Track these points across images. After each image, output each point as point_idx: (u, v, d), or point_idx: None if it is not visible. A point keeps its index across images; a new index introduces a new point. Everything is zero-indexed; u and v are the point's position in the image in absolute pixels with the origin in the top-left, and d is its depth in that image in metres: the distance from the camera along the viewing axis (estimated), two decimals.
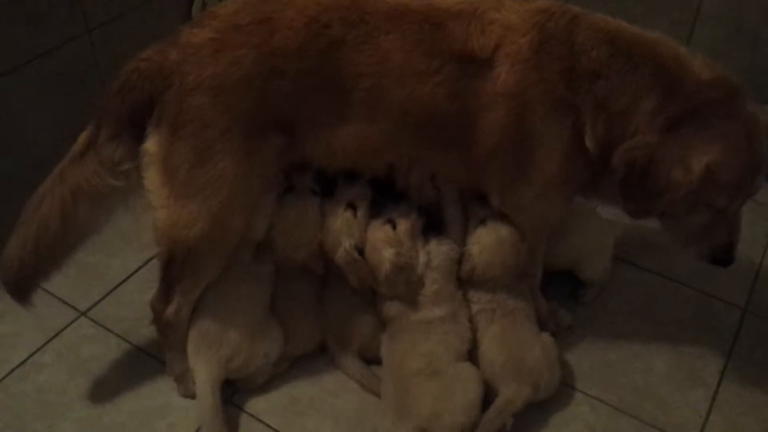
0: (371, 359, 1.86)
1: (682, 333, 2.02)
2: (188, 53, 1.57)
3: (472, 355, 1.79)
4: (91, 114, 1.66)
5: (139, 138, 1.60)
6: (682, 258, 2.11)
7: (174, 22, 2.36)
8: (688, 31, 2.50)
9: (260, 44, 1.57)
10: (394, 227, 1.80)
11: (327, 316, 1.87)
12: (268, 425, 1.77)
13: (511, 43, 1.58)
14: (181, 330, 1.76)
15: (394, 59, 1.60)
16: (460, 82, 1.60)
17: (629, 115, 1.58)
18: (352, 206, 1.83)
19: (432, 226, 1.89)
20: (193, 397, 1.75)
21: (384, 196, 1.88)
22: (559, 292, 2.07)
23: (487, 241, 1.82)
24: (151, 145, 1.59)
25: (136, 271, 2.14)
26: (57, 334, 1.96)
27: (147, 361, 1.89)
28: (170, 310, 1.73)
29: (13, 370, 1.87)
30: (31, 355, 1.91)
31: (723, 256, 1.68)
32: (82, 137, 1.66)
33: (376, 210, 1.86)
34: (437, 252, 1.83)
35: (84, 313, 2.02)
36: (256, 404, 1.81)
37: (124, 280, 2.11)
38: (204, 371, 1.71)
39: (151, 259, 2.12)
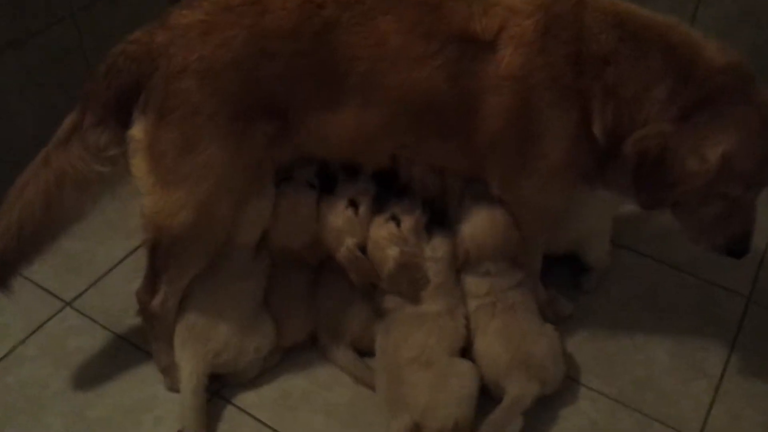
0: (364, 351, 1.81)
1: (684, 322, 1.97)
2: (176, 35, 1.52)
3: (470, 351, 1.74)
4: (78, 98, 1.60)
5: (126, 123, 1.55)
6: (684, 245, 2.06)
7: (163, 4, 2.28)
8: (691, 11, 2.44)
9: (251, 25, 1.51)
10: (398, 224, 1.75)
11: (319, 307, 1.82)
12: (258, 420, 1.72)
13: (515, 26, 1.52)
14: (168, 321, 1.71)
15: (390, 41, 1.54)
16: (460, 66, 1.55)
17: (640, 103, 1.52)
18: (353, 203, 1.77)
19: (435, 219, 1.83)
20: (179, 390, 1.69)
21: (387, 189, 1.82)
22: (558, 280, 2.01)
23: (480, 221, 1.76)
24: (138, 131, 1.54)
25: (122, 260, 2.08)
26: (41, 326, 1.91)
27: (133, 352, 1.84)
28: (156, 300, 1.68)
29: None
30: (14, 348, 1.86)
31: (738, 247, 1.63)
32: (68, 122, 1.61)
33: (379, 204, 1.80)
34: (441, 244, 1.78)
35: (69, 304, 1.97)
36: (246, 398, 1.75)
37: (110, 270, 2.06)
38: (189, 366, 1.66)
39: (137, 247, 2.05)
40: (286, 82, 1.55)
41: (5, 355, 1.83)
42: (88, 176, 1.58)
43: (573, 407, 1.76)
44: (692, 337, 1.93)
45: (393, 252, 1.72)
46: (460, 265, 1.78)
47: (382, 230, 1.75)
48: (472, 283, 1.79)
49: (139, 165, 1.55)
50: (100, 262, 2.07)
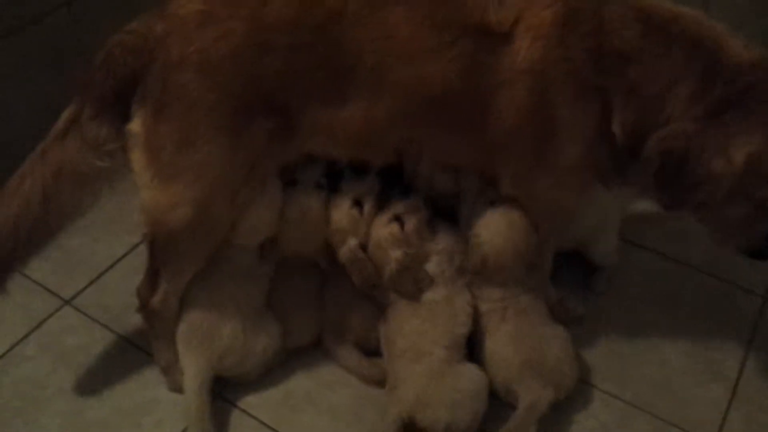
0: (369, 351, 1.76)
1: (700, 323, 1.91)
2: (174, 26, 1.47)
3: (478, 355, 1.69)
4: (75, 90, 1.56)
5: (125, 116, 1.51)
6: (699, 243, 2.04)
7: None
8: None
9: (251, 17, 1.46)
10: (402, 224, 1.69)
11: (324, 307, 1.77)
12: (260, 421, 1.67)
13: (532, 16, 1.46)
14: (168, 319, 1.67)
15: (400, 34, 1.48)
16: (474, 59, 1.49)
17: (663, 101, 1.46)
18: (358, 203, 1.72)
19: (438, 213, 1.79)
20: (180, 391, 1.65)
21: (390, 186, 1.77)
22: (569, 280, 1.96)
23: (498, 226, 1.69)
24: (136, 125, 1.50)
25: (123, 256, 2.03)
26: (39, 324, 1.87)
27: (134, 352, 1.80)
28: (156, 297, 1.65)
29: None
30: (12, 347, 1.81)
31: (764, 249, 1.58)
32: (65, 115, 1.57)
33: (382, 200, 1.75)
34: (443, 237, 1.73)
35: (68, 302, 1.92)
36: (248, 399, 1.71)
37: (111, 267, 2.01)
38: (193, 368, 1.61)
39: (138, 244, 2.01)
40: (287, 76, 1.50)
41: (3, 355, 1.79)
42: (86, 171, 1.55)
43: (585, 411, 1.71)
44: (708, 338, 1.88)
45: (396, 254, 1.67)
46: (474, 272, 1.71)
47: (384, 231, 1.70)
48: (484, 291, 1.72)
49: (137, 159, 1.52)
50: (101, 259, 2.02)
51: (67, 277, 1.97)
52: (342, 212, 1.71)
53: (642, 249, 2.11)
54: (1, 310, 1.85)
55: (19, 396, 1.71)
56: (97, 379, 1.75)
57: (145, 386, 1.73)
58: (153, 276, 1.64)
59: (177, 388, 1.68)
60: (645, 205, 2.11)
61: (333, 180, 1.76)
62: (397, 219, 1.70)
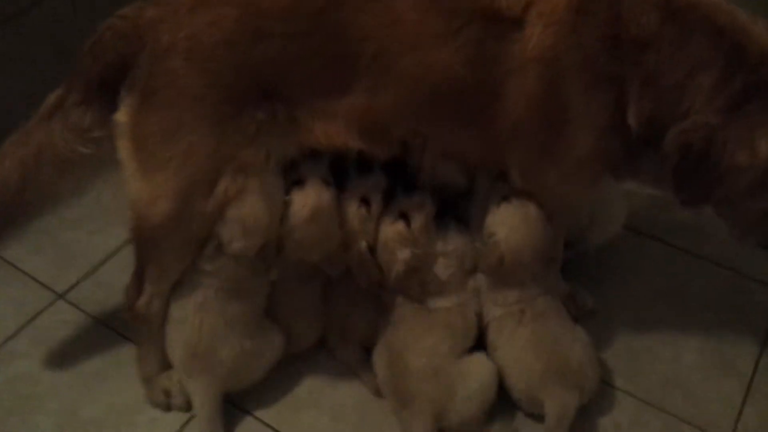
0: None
1: (713, 317, 1.86)
2: (165, 11, 1.42)
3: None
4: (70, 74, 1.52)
5: (112, 104, 1.46)
6: (711, 234, 1.98)
7: None
8: None
9: (244, 2, 1.42)
10: (408, 222, 1.63)
11: (328, 308, 1.71)
12: (262, 421, 1.62)
13: (545, 1, 1.41)
14: (153, 325, 1.60)
15: (405, 19, 1.42)
16: (483, 46, 1.43)
17: (682, 92, 1.40)
18: (365, 201, 1.64)
19: (445, 210, 1.72)
20: (161, 407, 1.62)
21: (395, 182, 1.69)
22: (578, 273, 1.89)
23: (514, 222, 1.61)
24: (123, 113, 1.45)
25: (118, 249, 1.97)
26: (32, 319, 1.81)
27: (128, 348, 1.73)
28: (142, 300, 1.58)
29: None
30: (4, 343, 1.76)
31: None
32: (52, 98, 1.53)
33: (388, 197, 1.68)
34: (453, 237, 1.67)
35: (62, 296, 1.87)
36: (249, 399, 1.65)
37: (106, 260, 1.96)
38: (200, 396, 1.55)
39: None
40: (282, 65, 1.44)
41: None
42: (69, 156, 1.51)
43: (596, 408, 1.65)
44: (721, 333, 1.82)
45: (403, 255, 1.60)
46: (490, 274, 1.64)
47: (390, 230, 1.63)
48: (498, 294, 1.65)
49: (123, 149, 1.47)
50: (95, 252, 1.97)
51: (61, 271, 1.92)
52: (351, 213, 1.63)
53: (652, 240, 2.05)
54: None
55: (11, 394, 1.66)
56: (91, 376, 1.70)
57: (140, 383, 1.66)
58: (139, 276, 1.58)
59: (157, 404, 1.62)
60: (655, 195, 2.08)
61: (337, 179, 1.67)
62: (403, 216, 1.64)
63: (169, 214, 1.47)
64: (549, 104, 1.45)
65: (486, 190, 1.68)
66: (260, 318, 1.63)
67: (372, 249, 1.63)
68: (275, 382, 1.67)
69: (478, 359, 1.59)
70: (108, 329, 1.79)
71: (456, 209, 1.72)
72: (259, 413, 1.62)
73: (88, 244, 1.99)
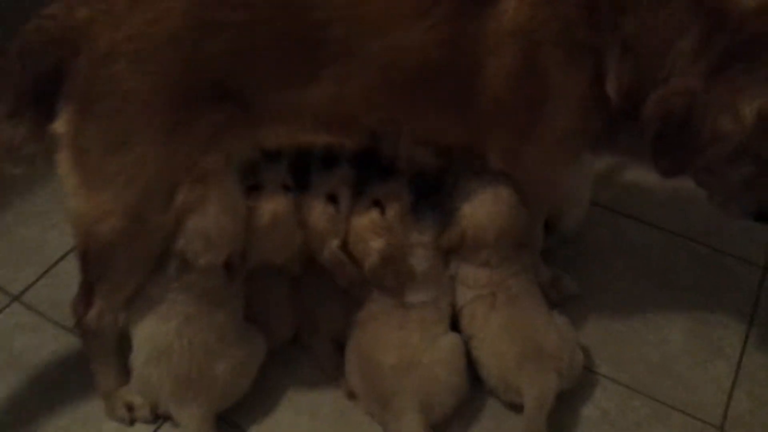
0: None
1: (698, 297, 1.81)
2: (99, 10, 1.29)
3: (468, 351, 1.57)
4: None
5: (47, 115, 1.32)
6: (692, 212, 1.94)
7: None
8: None
9: None
10: (383, 211, 1.54)
11: (298, 301, 1.63)
12: (236, 425, 1.53)
13: None
14: (106, 340, 1.50)
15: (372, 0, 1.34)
16: (456, 25, 1.35)
17: (662, 57, 1.35)
18: (332, 198, 1.55)
19: (423, 196, 1.64)
20: (124, 422, 1.52)
21: (366, 170, 1.60)
22: (558, 258, 1.84)
23: (481, 198, 1.56)
24: (61, 124, 1.32)
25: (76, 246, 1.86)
26: None
27: None
28: (91, 314, 1.47)
29: None
30: None
31: None
32: None
33: (358, 187, 1.60)
34: (430, 227, 1.59)
35: (17, 298, 1.76)
36: None
37: (63, 257, 1.84)
38: (196, 423, 1.46)
39: None
40: (240, 58, 1.33)
41: None
42: None
43: (581, 396, 1.60)
44: (707, 314, 1.78)
45: (377, 244, 1.52)
46: (450, 248, 1.58)
47: (364, 219, 1.55)
48: (468, 273, 1.59)
49: (63, 163, 1.34)
50: (52, 250, 1.85)
51: (16, 270, 1.81)
52: (317, 212, 1.54)
53: (632, 219, 2.00)
54: None
55: None
56: (51, 384, 1.60)
57: None
58: (86, 289, 1.47)
59: (119, 419, 1.52)
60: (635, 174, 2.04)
61: (300, 177, 1.58)
62: (377, 204, 1.56)
63: (120, 231, 1.37)
64: (527, 80, 1.39)
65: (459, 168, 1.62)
66: (239, 325, 1.54)
67: (345, 245, 1.55)
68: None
69: (445, 337, 1.54)
70: (68, 332, 1.68)
71: (432, 197, 1.65)
72: (231, 415, 1.54)
73: (44, 241, 1.87)
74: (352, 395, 1.55)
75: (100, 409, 1.55)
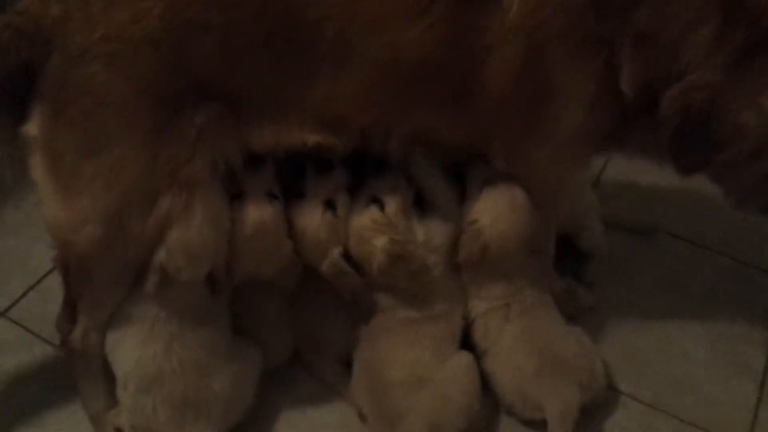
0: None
1: (720, 311, 1.73)
2: (73, 7, 1.22)
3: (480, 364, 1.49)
4: None
5: (17, 116, 1.26)
6: (714, 221, 1.87)
7: None
8: None
9: None
10: (382, 207, 1.46)
11: (298, 318, 1.54)
12: None
13: None
14: (92, 359, 1.42)
15: None
16: (458, 22, 1.29)
17: (678, 49, 1.29)
18: (330, 204, 1.47)
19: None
20: None
21: (359, 165, 1.52)
22: (575, 269, 1.76)
23: (499, 207, 1.48)
24: (34, 126, 1.25)
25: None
26: None
27: None
28: (76, 333, 1.40)
29: None
30: None
31: None
32: None
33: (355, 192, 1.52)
34: (439, 229, 1.50)
35: (3, 313, 1.67)
36: None
37: (52, 269, 1.73)
38: None
39: None
40: (224, 60, 1.27)
41: None
42: None
43: (602, 415, 1.52)
44: (730, 327, 1.70)
45: (380, 242, 1.43)
46: (473, 264, 1.49)
47: (364, 218, 1.46)
48: (482, 285, 1.51)
49: (36, 168, 1.28)
50: (40, 262, 1.75)
51: (1, 284, 1.72)
52: (315, 221, 1.45)
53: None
54: None
55: None
56: (37, 405, 1.50)
57: None
58: (70, 305, 1.40)
59: None
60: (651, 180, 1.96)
61: (293, 184, 1.50)
62: (376, 201, 1.48)
63: (98, 240, 1.29)
64: (533, 77, 1.33)
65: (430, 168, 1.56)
66: (231, 336, 1.46)
67: (347, 255, 1.47)
68: None
69: (458, 356, 1.47)
70: (56, 349, 1.58)
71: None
72: None
73: (31, 253, 1.78)
74: (363, 417, 1.46)
75: (90, 430, 1.45)
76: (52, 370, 1.56)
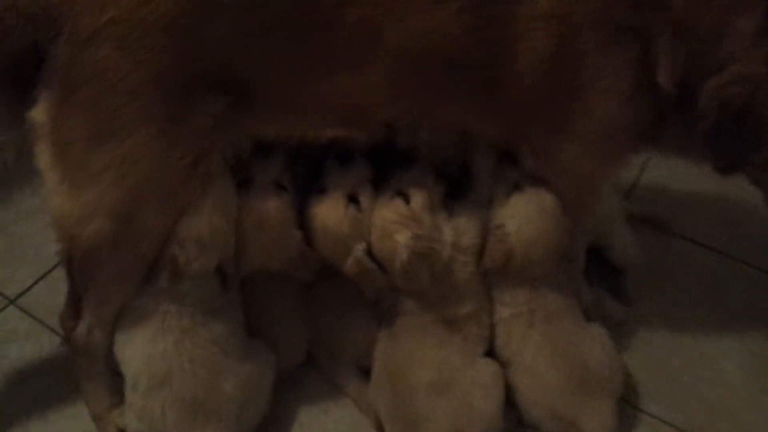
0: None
1: (756, 328, 1.64)
2: None
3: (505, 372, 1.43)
4: None
5: (22, 100, 1.21)
6: (754, 233, 1.77)
7: None
8: None
9: None
10: (407, 201, 1.39)
11: (314, 318, 1.49)
12: None
13: None
14: (96, 357, 1.37)
15: None
16: (485, 8, 1.23)
17: (719, 40, 1.24)
18: (353, 198, 1.40)
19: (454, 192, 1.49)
20: None
21: (386, 159, 1.46)
22: (605, 279, 1.68)
23: (527, 213, 1.41)
24: (40, 112, 1.20)
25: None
26: None
27: None
28: (80, 329, 1.35)
29: None
30: None
31: None
32: None
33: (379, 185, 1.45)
34: (468, 228, 1.43)
35: (13, 301, 1.64)
36: None
37: None
38: None
39: None
40: (240, 45, 1.21)
41: None
42: None
43: None
44: (766, 346, 1.61)
45: (403, 237, 1.36)
46: (495, 269, 1.43)
47: (387, 212, 1.39)
48: (505, 290, 1.45)
49: (42, 155, 1.22)
50: (51, 251, 1.67)
51: (12, 271, 1.70)
52: (338, 216, 1.39)
53: (684, 240, 1.83)
54: None
55: None
56: (43, 396, 1.47)
57: None
58: (74, 300, 1.35)
59: None
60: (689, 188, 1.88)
61: (314, 177, 1.45)
62: (401, 194, 1.41)
63: (107, 235, 1.24)
64: (563, 68, 1.27)
65: (486, 171, 1.49)
66: (243, 339, 1.41)
67: (371, 252, 1.40)
68: None
69: (486, 362, 1.42)
70: (65, 341, 1.53)
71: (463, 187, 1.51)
72: None
73: (44, 241, 1.70)
74: (380, 428, 1.40)
75: (92, 428, 1.41)
76: (58, 362, 1.51)
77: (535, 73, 1.28)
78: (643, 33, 1.25)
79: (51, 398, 1.47)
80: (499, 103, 1.33)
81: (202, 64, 1.20)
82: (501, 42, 1.26)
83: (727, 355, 1.59)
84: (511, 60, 1.27)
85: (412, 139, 1.40)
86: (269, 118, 1.31)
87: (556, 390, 1.37)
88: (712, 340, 1.61)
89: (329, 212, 1.40)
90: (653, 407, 1.49)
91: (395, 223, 1.38)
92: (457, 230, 1.43)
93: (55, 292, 1.61)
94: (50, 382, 1.50)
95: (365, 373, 1.46)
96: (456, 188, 1.49)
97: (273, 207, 1.38)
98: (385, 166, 1.46)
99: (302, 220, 1.42)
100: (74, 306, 1.35)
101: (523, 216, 1.41)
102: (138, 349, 1.33)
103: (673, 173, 1.92)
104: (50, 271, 1.69)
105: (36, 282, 1.67)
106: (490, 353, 1.45)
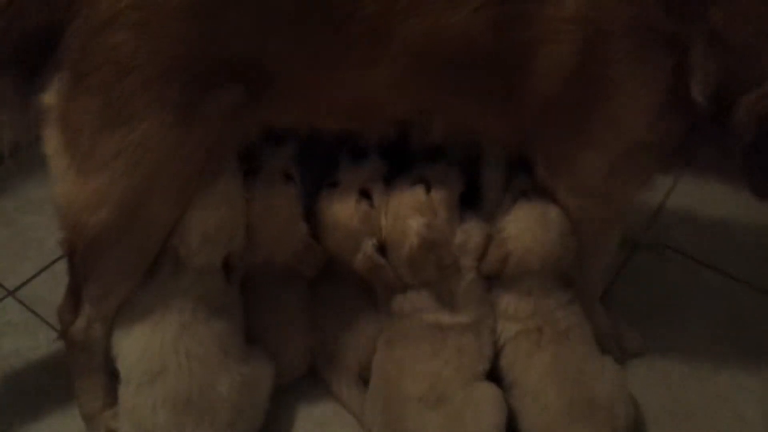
0: None
1: None
2: None
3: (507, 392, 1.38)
4: None
5: (33, 82, 1.18)
6: None
7: None
8: None
9: None
10: (428, 190, 1.39)
11: (316, 322, 1.46)
12: None
13: None
14: (93, 354, 1.34)
15: None
16: (507, 7, 1.19)
17: (758, 53, 1.19)
18: (365, 193, 1.39)
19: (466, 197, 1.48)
20: None
21: (403, 157, 1.45)
22: (622, 307, 1.62)
23: (527, 220, 1.40)
24: (51, 95, 1.17)
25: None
26: None
27: None
28: (79, 323, 1.32)
29: None
30: None
31: None
32: None
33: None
34: (474, 233, 1.42)
35: (12, 293, 1.61)
36: None
37: None
38: None
39: None
40: (259, 35, 1.19)
41: None
42: None
43: None
44: None
45: (416, 223, 1.35)
46: (491, 273, 1.41)
47: (406, 197, 1.39)
48: (510, 302, 1.42)
49: (51, 140, 1.19)
50: (54, 243, 1.65)
51: (14, 262, 1.67)
52: (349, 210, 1.39)
53: (708, 268, 1.76)
54: None
55: None
56: (37, 394, 1.44)
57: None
58: (74, 293, 1.32)
59: None
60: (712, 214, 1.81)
61: (327, 171, 1.44)
62: (423, 182, 1.41)
63: (114, 225, 1.21)
64: (589, 75, 1.22)
65: (496, 176, 1.50)
66: (242, 340, 1.37)
67: (382, 247, 1.39)
68: None
69: (488, 386, 1.37)
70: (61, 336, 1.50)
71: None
72: None
73: (48, 232, 1.69)
74: None
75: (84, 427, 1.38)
76: (52, 358, 1.49)
77: (558, 77, 1.23)
78: (677, 44, 1.20)
79: (41, 394, 1.44)
80: (518, 107, 1.29)
81: (221, 53, 1.18)
82: (521, 43, 1.22)
83: (748, 396, 1.52)
84: (533, 63, 1.23)
85: (425, 137, 1.38)
86: (284, 110, 1.29)
87: (557, 415, 1.32)
88: (731, 377, 1.54)
89: (340, 206, 1.40)
90: None
91: (412, 208, 1.38)
92: (466, 234, 1.42)
93: (55, 286, 1.58)
94: (42, 377, 1.47)
95: (366, 384, 1.42)
96: (467, 198, 1.47)
97: (278, 200, 1.37)
98: (401, 161, 1.46)
99: (310, 214, 1.42)
100: (74, 299, 1.33)
101: (523, 222, 1.40)
102: (134, 343, 1.30)
103: (703, 197, 1.85)
104: (52, 263, 1.66)
105: (37, 274, 1.65)
106: (495, 377, 1.41)
